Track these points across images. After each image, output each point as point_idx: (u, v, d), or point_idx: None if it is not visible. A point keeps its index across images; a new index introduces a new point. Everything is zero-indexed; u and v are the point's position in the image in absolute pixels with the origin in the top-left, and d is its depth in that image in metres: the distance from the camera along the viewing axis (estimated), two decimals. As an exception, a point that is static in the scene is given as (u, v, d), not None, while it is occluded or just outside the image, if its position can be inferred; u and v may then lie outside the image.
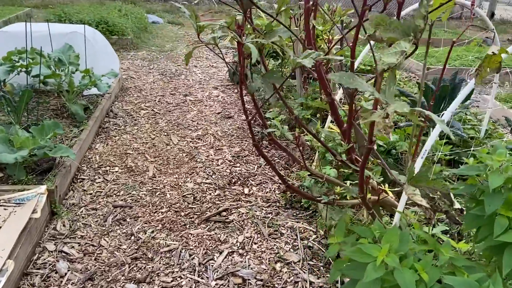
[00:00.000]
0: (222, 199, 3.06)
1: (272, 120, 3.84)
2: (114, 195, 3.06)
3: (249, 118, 1.86)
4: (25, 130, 3.39)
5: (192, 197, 3.07)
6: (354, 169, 1.87)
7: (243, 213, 2.88)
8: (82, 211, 2.83)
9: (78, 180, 3.19)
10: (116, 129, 4.19)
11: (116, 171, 3.38)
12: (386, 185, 1.75)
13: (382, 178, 1.95)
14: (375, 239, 1.68)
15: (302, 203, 2.97)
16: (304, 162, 2.11)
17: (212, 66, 6.94)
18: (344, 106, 3.20)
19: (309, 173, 3.02)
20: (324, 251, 2.47)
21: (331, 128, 3.08)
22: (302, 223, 2.77)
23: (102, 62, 4.84)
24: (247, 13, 1.74)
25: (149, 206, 2.95)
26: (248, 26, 1.92)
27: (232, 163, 3.62)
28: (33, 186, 2.70)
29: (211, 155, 3.76)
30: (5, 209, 2.52)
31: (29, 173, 2.86)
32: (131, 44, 7.54)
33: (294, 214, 2.89)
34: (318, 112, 3.85)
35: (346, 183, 2.36)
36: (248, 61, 1.64)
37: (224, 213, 2.88)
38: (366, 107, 1.18)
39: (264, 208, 2.96)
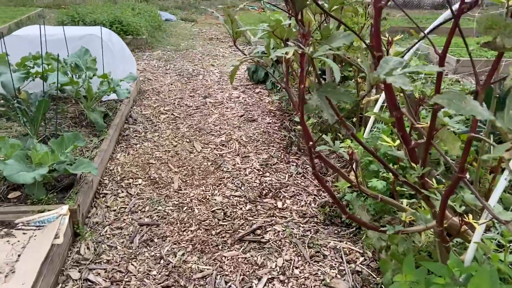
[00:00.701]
0: (255, 215, 2.83)
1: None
2: (139, 211, 2.86)
3: (311, 143, 1.61)
4: (43, 142, 3.21)
5: (222, 213, 2.85)
6: (424, 195, 1.62)
7: (279, 231, 2.65)
8: (106, 231, 2.64)
9: (101, 195, 2.99)
10: (136, 136, 3.99)
11: (139, 184, 3.18)
12: (470, 216, 1.50)
13: (464, 208, 1.69)
14: (453, 278, 1.44)
15: (343, 219, 2.72)
16: (358, 183, 1.86)
17: (230, 64, 6.69)
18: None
19: (349, 185, 2.78)
20: (375, 276, 2.23)
21: (385, 140, 2.82)
22: (346, 243, 2.53)
23: (119, 65, 4.64)
24: (298, 15, 1.49)
25: (177, 223, 2.74)
26: (295, 30, 1.68)
27: (261, 173, 3.39)
28: (54, 206, 2.51)
29: (238, 163, 3.54)
30: (24, 233, 2.33)
31: (49, 191, 2.67)
32: (146, 43, 7.34)
33: (336, 231, 2.65)
34: (353, 115, 3.59)
35: (402, 203, 2.11)
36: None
37: (258, 231, 2.65)
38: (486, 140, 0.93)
39: (301, 225, 2.72)
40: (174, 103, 4.95)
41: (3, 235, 2.29)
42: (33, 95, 3.29)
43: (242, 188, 3.16)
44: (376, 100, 3.11)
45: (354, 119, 3.34)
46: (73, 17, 7.25)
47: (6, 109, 2.98)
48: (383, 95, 2.91)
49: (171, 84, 5.64)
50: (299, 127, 3.63)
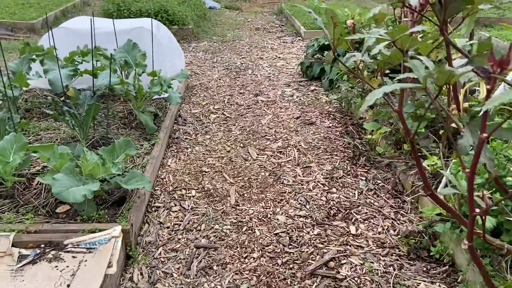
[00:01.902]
0: (325, 241, 2.47)
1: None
2: (195, 230, 2.57)
3: (430, 192, 1.22)
4: (92, 146, 2.98)
5: (287, 237, 2.51)
6: None
7: (356, 265, 2.28)
8: (160, 253, 2.37)
9: (153, 209, 2.73)
10: (187, 139, 3.71)
11: (193, 196, 2.90)
12: None
13: None
14: None
15: (431, 253, 2.31)
16: (484, 234, 1.45)
17: (279, 57, 6.29)
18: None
19: (437, 212, 2.36)
20: (485, 338, 1.83)
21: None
22: (440, 285, 2.13)
23: (168, 60, 4.36)
24: (444, 25, 1.09)
25: (237, 247, 2.43)
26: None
27: (326, 188, 3.01)
28: (105, 224, 2.26)
29: (299, 175, 3.18)
30: (73, 256, 2.09)
31: (99, 206, 2.43)
32: (192, 34, 7.05)
33: (425, 268, 2.25)
34: (440, 128, 3.11)
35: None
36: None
37: (332, 264, 2.29)
38: None
39: (381, 258, 2.34)
40: (224, 101, 4.63)
41: (51, 259, 2.07)
42: (82, 95, 3.06)
43: (307, 206, 2.80)
44: None
45: (441, 131, 2.88)
46: (118, 5, 7.06)
47: (55, 112, 2.76)
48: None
49: (219, 79, 5.33)
50: (369, 136, 3.22)
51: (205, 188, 2.99)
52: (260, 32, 7.80)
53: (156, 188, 2.93)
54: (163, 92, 3.35)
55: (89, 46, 3.88)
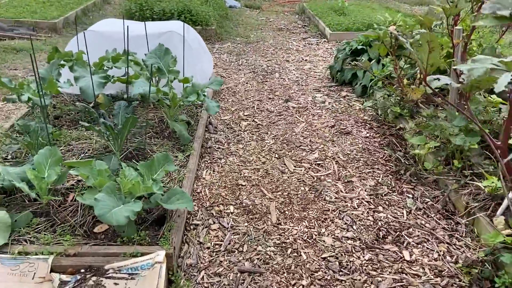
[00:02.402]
0: (377, 268, 2.31)
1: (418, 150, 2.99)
2: (237, 251, 2.43)
3: None
4: (126, 158, 2.85)
5: (337, 262, 2.35)
6: None
7: (416, 297, 2.12)
8: (203, 278, 2.23)
9: (191, 227, 2.60)
10: (219, 148, 3.57)
11: (231, 212, 2.75)
12: None
13: None
14: None
15: (496, 284, 2.13)
16: None
17: (306, 60, 6.11)
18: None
19: (501, 240, 2.17)
20: None
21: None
22: (511, 324, 1.95)
23: (198, 64, 4.23)
24: None
25: (283, 272, 2.28)
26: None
27: (372, 206, 2.84)
28: (147, 247, 2.13)
29: (341, 190, 3.01)
30: (115, 283, 1.96)
31: (138, 225, 2.30)
32: (215, 35, 6.91)
33: (491, 304, 2.07)
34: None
35: None
36: None
37: (389, 295, 2.13)
38: None
39: (442, 289, 2.17)
40: (254, 107, 4.48)
41: (93, 286, 1.94)
42: (116, 106, 2.92)
43: (354, 227, 2.64)
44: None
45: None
46: (141, 5, 6.94)
47: (91, 125, 2.63)
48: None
49: (246, 83, 5.17)
50: (416, 151, 3.03)
51: (244, 204, 2.84)
52: (284, 33, 7.61)
53: (193, 204, 2.79)
54: (198, 101, 3.20)
55: (118, 50, 3.76)
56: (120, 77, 3.64)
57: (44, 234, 2.17)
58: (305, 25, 8.22)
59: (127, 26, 3.20)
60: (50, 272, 1.97)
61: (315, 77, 5.43)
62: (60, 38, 6.64)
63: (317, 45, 6.90)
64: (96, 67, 3.57)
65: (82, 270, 2.02)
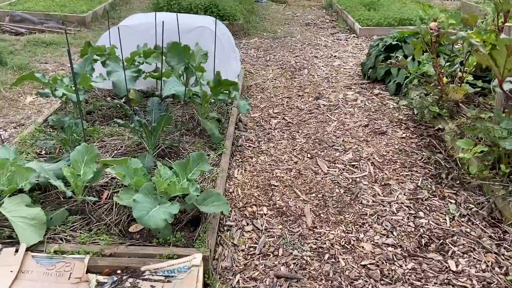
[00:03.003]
0: (421, 278, 2.19)
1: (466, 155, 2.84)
2: (272, 255, 2.35)
3: None
4: (159, 156, 2.81)
5: (378, 270, 2.24)
6: None
7: (465, 312, 2.00)
8: (239, 282, 2.16)
9: (225, 228, 2.53)
10: (250, 146, 3.49)
11: (265, 214, 2.68)
12: None
13: None
14: None
15: (552, 301, 1.99)
16: None
17: (335, 56, 5.96)
18: None
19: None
20: None
21: None
22: None
23: (228, 61, 4.15)
24: None
25: (322, 279, 2.19)
26: None
27: (412, 211, 2.72)
28: (183, 249, 2.08)
29: (378, 194, 2.89)
30: (152, 286, 1.92)
31: (173, 225, 2.25)
32: (242, 30, 6.82)
33: (549, 322, 1.93)
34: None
35: None
36: None
37: (435, 308, 2.02)
38: None
39: (492, 304, 2.04)
40: (283, 104, 4.38)
41: (129, 288, 1.90)
42: (150, 102, 2.87)
43: (394, 233, 2.52)
44: None
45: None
46: None
47: (126, 122, 2.60)
48: None
49: (275, 79, 5.07)
50: (461, 154, 2.88)
51: (277, 205, 2.77)
52: (311, 28, 7.46)
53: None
54: (229, 100, 3.12)
55: (149, 45, 3.72)
56: (152, 72, 3.61)
57: (80, 233, 2.15)
58: (333, 20, 8.04)
59: (162, 22, 3.14)
60: (86, 273, 1.94)
61: (345, 74, 5.28)
62: (89, 32, 6.69)
63: (346, 40, 6.73)
64: (127, 62, 3.55)
65: (119, 271, 1.98)
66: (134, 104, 3.52)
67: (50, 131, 3.04)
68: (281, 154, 3.40)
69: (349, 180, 3.06)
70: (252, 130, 3.78)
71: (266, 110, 4.24)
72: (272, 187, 2.97)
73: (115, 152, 2.89)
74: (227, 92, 3.10)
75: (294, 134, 3.74)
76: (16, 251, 1.98)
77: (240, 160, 3.28)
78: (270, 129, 3.84)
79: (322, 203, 2.80)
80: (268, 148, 3.49)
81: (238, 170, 3.15)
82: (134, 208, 1.91)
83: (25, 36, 5.97)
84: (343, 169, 3.20)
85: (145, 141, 2.75)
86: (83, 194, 2.32)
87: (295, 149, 3.49)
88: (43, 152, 2.82)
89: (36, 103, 4.14)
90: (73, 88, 3.08)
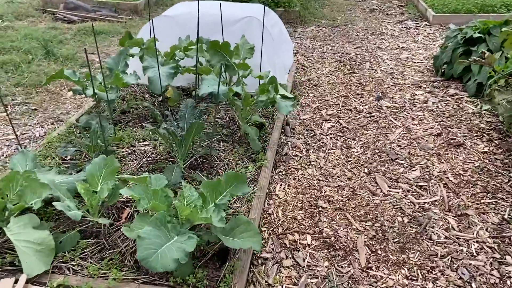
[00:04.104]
0: None
1: None
2: (313, 302, 1.93)
3: None
4: (191, 169, 2.46)
5: None
6: None
7: None
8: (269, 337, 1.77)
9: (259, 261, 2.14)
10: (296, 156, 3.05)
11: (309, 245, 2.24)
12: None
13: None
14: None
15: None
16: None
17: (402, 47, 5.26)
18: None
19: None
20: None
21: None
22: None
23: (278, 55, 3.70)
24: None
25: None
26: None
27: (496, 254, 2.14)
28: (203, 294, 1.72)
29: (453, 227, 2.33)
30: None
31: (196, 259, 1.90)
32: (298, 17, 6.29)
33: None
34: None
35: None
36: None
37: None
38: None
39: None
40: (338, 104, 3.86)
41: None
42: (183, 105, 2.52)
43: (473, 285, 1.97)
44: None
45: None
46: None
47: (154, 128, 2.28)
48: None
49: (331, 74, 4.54)
50: None
51: (324, 234, 2.31)
52: (376, 15, 6.73)
53: (263, 229, 2.33)
54: (269, 101, 2.69)
55: (193, 36, 3.37)
56: (191, 67, 3.27)
57: (90, 263, 1.87)
58: (401, 5, 7.21)
59: (199, 13, 2.77)
60: (90, 315, 1.65)
61: (414, 69, 4.60)
62: (140, 21, 6.52)
63: (416, 29, 5.94)
64: (167, 57, 3.24)
65: (126, 317, 1.67)
66: (172, 103, 3.21)
67: (79, 134, 2.81)
68: (332, 167, 2.92)
69: (415, 206, 2.52)
70: (300, 136, 3.32)
71: (318, 111, 3.75)
72: (320, 209, 2.51)
73: (144, 160, 2.59)
74: (268, 92, 2.67)
75: (350, 142, 3.23)
76: (16, 281, 1.74)
77: (283, 172, 2.86)
78: (322, 134, 3.35)
79: (380, 235, 2.30)
80: (317, 158, 3.03)
81: (281, 185, 2.72)
82: (138, 247, 1.58)
83: (77, 24, 5.93)
84: (408, 191, 2.65)
85: (175, 152, 2.42)
86: (99, 214, 2.04)
87: (349, 161, 2.99)
88: (69, 157, 2.60)
89: (78, 97, 3.99)
90: (110, 87, 2.83)
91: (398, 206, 2.52)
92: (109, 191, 1.97)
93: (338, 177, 2.82)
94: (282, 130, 3.32)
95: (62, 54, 4.78)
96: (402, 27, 6.04)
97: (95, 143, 2.41)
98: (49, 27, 5.82)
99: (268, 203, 2.54)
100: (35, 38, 5.18)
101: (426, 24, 6.09)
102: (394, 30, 5.92)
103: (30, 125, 3.43)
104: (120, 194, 1.95)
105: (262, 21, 3.30)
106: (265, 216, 2.44)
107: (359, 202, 2.56)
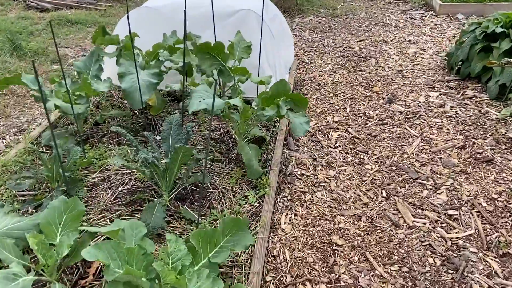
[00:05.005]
0: None
1: None
2: None
3: None
4: (178, 200, 2.00)
5: None
6: None
7: None
8: None
9: (264, 325, 1.72)
10: (303, 175, 2.61)
11: (324, 299, 1.83)
12: None
13: None
14: None
15: None
16: None
17: (409, 41, 4.81)
18: None
19: None
20: None
21: None
22: None
23: (278, 52, 3.22)
24: None
25: None
26: None
27: (556, 313, 1.75)
28: None
29: (496, 273, 1.93)
30: None
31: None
32: (295, 6, 5.78)
33: None
34: None
35: None
36: None
37: None
38: None
39: None
40: (345, 108, 3.42)
41: None
42: (166, 123, 2.04)
43: None
44: None
45: None
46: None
47: (128, 164, 1.81)
48: None
49: (334, 72, 4.08)
50: None
51: (341, 283, 1.90)
52: (378, 3, 6.25)
53: (268, 279, 1.90)
54: (278, 117, 2.22)
55: (178, 32, 2.87)
56: (179, 68, 2.78)
57: None
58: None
59: (193, 2, 2.28)
60: None
61: (424, 66, 4.17)
62: (121, 8, 5.95)
63: (422, 20, 5.49)
64: (149, 57, 2.74)
65: None
66: (154, 112, 2.73)
67: (38, 156, 2.31)
68: (345, 189, 2.49)
69: (446, 242, 2.12)
70: (305, 148, 2.88)
71: (323, 116, 3.31)
72: (334, 247, 2.09)
73: (120, 189, 2.13)
74: (276, 107, 2.20)
75: (362, 157, 2.80)
76: None
77: (289, 197, 2.42)
78: (330, 146, 2.92)
79: (410, 283, 1.89)
80: (327, 177, 2.60)
81: (286, 214, 2.29)
82: None
83: (51, 12, 5.33)
84: (436, 221, 2.24)
85: (159, 184, 1.95)
86: (58, 272, 1.58)
87: (364, 180, 2.57)
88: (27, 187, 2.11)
89: (47, 100, 3.47)
90: (78, 95, 2.34)
91: (427, 243, 2.11)
92: (69, 248, 1.51)
93: (353, 202, 2.39)
94: (285, 142, 2.88)
95: (31, 48, 4.23)
96: (407, 18, 5.58)
97: (57, 170, 1.94)
98: (20, 16, 5.22)
99: (272, 240, 2.11)
100: (3, 29, 4.60)
101: (432, 14, 5.64)
102: (399, 21, 5.46)
103: (-12, 137, 2.92)
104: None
105: (259, 14, 2.82)
106: (269, 260, 2.00)
107: (380, 238, 2.15)
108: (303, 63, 4.29)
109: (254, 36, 2.82)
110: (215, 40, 2.76)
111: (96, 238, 1.78)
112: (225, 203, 2.13)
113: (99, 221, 1.94)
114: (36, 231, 1.66)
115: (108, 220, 1.94)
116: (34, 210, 1.94)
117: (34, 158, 2.30)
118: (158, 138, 2.55)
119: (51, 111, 2.35)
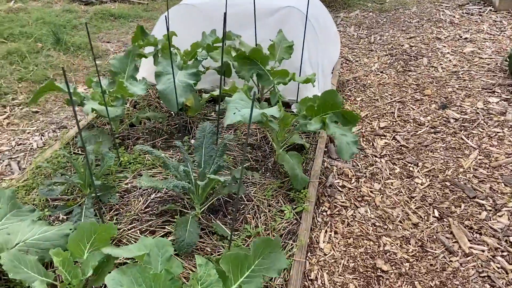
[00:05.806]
0: None
1: None
2: None
3: None
4: (210, 212, 1.89)
5: None
6: None
7: None
8: None
9: None
10: (344, 187, 2.42)
11: (365, 333, 1.65)
12: None
13: None
14: None
15: None
16: None
17: (465, 39, 4.42)
18: None
19: None
20: None
21: None
22: None
23: (322, 52, 3.02)
24: None
25: None
26: None
27: None
28: None
29: None
30: None
31: None
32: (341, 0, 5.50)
33: None
34: None
35: None
36: None
37: None
38: None
39: None
40: (393, 113, 3.17)
41: None
42: (199, 131, 1.91)
43: None
44: None
45: None
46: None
47: (156, 181, 1.70)
48: None
49: (381, 72, 3.81)
50: None
51: (386, 315, 1.71)
52: (431, -3, 5.83)
53: (304, 306, 1.75)
54: (322, 129, 2.04)
55: (218, 30, 2.74)
56: (216, 68, 2.66)
57: None
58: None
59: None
60: None
61: (482, 67, 3.81)
62: (163, 2, 5.91)
63: (480, 16, 5.05)
64: (187, 57, 2.63)
65: None
66: (192, 113, 2.63)
67: (72, 161, 2.25)
68: (391, 206, 2.28)
69: (507, 273, 1.87)
70: (348, 158, 2.67)
71: (368, 121, 3.08)
72: (378, 273, 1.90)
73: (153, 196, 2.04)
74: (320, 121, 2.01)
75: (411, 169, 2.57)
76: None
77: (329, 212, 2.24)
78: (375, 156, 2.70)
79: (465, 322, 1.68)
80: (371, 191, 2.39)
81: (326, 232, 2.12)
82: None
83: (95, 6, 5.38)
84: (496, 249, 1.99)
85: (193, 199, 1.84)
86: (83, 293, 1.51)
87: (413, 197, 2.34)
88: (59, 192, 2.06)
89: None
90: (114, 97, 2.27)
91: (485, 274, 1.87)
92: (93, 269, 1.42)
93: (400, 222, 2.18)
94: (325, 149, 2.69)
95: (74, 42, 4.26)
96: (463, 13, 5.16)
97: (87, 183, 1.87)
98: (64, 9, 5.30)
99: (310, 261, 1.95)
100: (47, 22, 4.68)
101: (491, 10, 5.17)
102: (454, 16, 5.05)
103: (28, 133, 2.95)
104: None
105: (303, 11, 2.63)
106: (306, 283, 1.85)
107: (431, 265, 1.93)
108: (347, 62, 4.04)
109: (297, 34, 2.64)
110: (256, 39, 2.60)
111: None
112: (260, 217, 1.99)
113: (129, 231, 1.86)
114: (63, 242, 1.60)
115: (138, 231, 1.86)
116: (64, 217, 1.89)
117: (68, 161, 2.26)
118: (193, 141, 2.45)
119: (87, 114, 2.29)
